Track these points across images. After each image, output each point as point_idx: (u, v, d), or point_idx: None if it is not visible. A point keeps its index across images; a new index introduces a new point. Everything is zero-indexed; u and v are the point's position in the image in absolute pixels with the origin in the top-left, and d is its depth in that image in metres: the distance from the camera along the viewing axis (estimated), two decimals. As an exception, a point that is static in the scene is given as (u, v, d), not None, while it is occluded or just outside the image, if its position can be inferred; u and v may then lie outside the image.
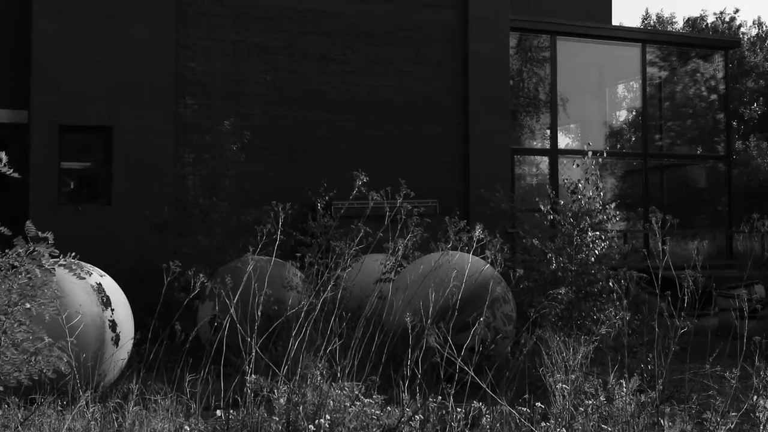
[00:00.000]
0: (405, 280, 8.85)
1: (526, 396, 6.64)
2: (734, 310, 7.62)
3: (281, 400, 6.11)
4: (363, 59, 15.84)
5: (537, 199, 10.86)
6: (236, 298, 6.75)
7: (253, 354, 6.29)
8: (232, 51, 15.05)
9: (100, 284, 8.04)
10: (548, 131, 19.21)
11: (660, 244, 7.54)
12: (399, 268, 8.83)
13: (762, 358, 6.52)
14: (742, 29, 42.32)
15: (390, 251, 7.77)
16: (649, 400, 6.35)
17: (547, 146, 19.13)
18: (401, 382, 6.37)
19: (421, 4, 16.26)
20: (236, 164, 12.77)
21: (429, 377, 6.78)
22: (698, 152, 22.16)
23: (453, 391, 6.24)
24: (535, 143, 19.87)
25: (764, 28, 42.51)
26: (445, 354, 6.39)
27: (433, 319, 6.99)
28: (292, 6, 15.44)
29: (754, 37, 42.13)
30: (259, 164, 14.71)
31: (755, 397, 6.28)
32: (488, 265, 8.58)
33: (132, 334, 8.24)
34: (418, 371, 6.37)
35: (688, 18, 44.25)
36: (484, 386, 6.21)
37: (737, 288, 12.64)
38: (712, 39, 26.21)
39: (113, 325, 7.91)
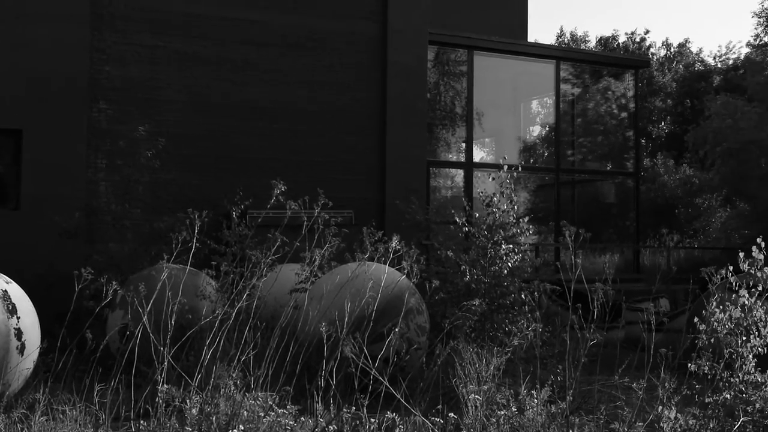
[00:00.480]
0: (321, 290, 8.82)
1: (440, 407, 6.70)
2: (641, 323, 7.82)
3: (193, 411, 6.03)
4: (282, 68, 15.77)
5: (452, 212, 10.98)
6: (149, 307, 6.65)
7: (166, 363, 6.20)
8: (150, 56, 14.81)
9: (5, 291, 7.81)
10: (464, 144, 19.44)
11: (572, 257, 7.70)
12: (315, 278, 8.80)
13: (667, 370, 6.70)
14: (652, 50, 43.56)
15: (306, 261, 7.75)
16: (559, 410, 6.47)
17: (463, 159, 19.35)
18: (315, 392, 6.35)
19: (341, 15, 16.28)
20: (150, 171, 12.57)
21: (343, 388, 6.78)
22: (608, 168, 22.71)
23: (367, 402, 6.26)
24: (450, 156, 20.07)
25: (672, 50, 43.84)
26: (360, 364, 6.40)
27: (349, 330, 6.99)
28: (212, 13, 15.27)
29: (662, 57, 43.41)
30: (175, 172, 14.50)
31: (660, 408, 6.46)
32: (404, 276, 8.63)
33: (39, 342, 8.03)
34: (333, 381, 6.37)
35: (601, 37, 45.36)
36: (398, 397, 6.24)
37: (644, 301, 12.99)
38: (623, 58, 26.89)
39: (19, 334, 7.69)
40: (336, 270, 9.18)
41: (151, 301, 6.75)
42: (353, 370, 6.55)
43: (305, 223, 7.70)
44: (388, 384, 6.26)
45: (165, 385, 6.15)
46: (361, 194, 16.09)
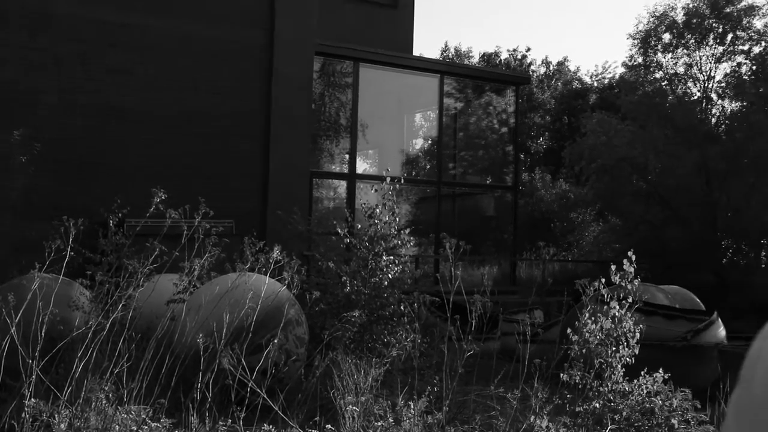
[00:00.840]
0: (199, 300, 8.69)
1: (317, 418, 6.69)
2: (517, 334, 8.01)
3: (62, 425, 5.85)
4: (166, 74, 15.49)
5: (334, 222, 10.99)
6: (17, 318, 6.42)
7: (34, 377, 6.00)
8: (25, 59, 14.33)
9: None
10: (348, 156, 19.51)
11: (452, 269, 7.83)
12: (193, 289, 8.67)
13: (541, 380, 6.88)
14: (532, 67, 44.75)
15: (185, 271, 7.64)
16: (435, 421, 6.55)
17: (346, 170, 19.42)
18: (191, 405, 6.26)
19: (228, 22, 16.12)
20: (24, 176, 12.15)
21: (220, 400, 6.69)
22: (488, 182, 23.17)
23: (244, 414, 6.20)
24: (334, 167, 20.12)
25: (551, 68, 45.13)
26: (238, 376, 6.34)
27: (227, 341, 6.92)
28: (92, 17, 14.88)
29: (542, 75, 44.65)
30: (50, 178, 14.04)
31: (533, 417, 6.62)
32: (284, 287, 8.59)
33: None
34: (209, 394, 6.28)
35: (484, 53, 46.33)
36: (276, 408, 6.20)
37: (520, 313, 13.30)
38: (505, 74, 27.54)
39: None
40: (215, 280, 9.06)
41: (20, 311, 6.52)
42: (230, 382, 6.47)
43: (185, 232, 7.58)
44: (265, 396, 6.22)
45: (32, 400, 5.94)
46: (244, 204, 15.93)
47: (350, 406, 6.33)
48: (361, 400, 6.45)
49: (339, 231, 10.57)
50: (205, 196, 8.68)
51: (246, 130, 16.25)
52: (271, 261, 7.86)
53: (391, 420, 6.38)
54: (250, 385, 6.18)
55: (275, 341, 7.72)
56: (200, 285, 8.87)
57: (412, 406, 6.42)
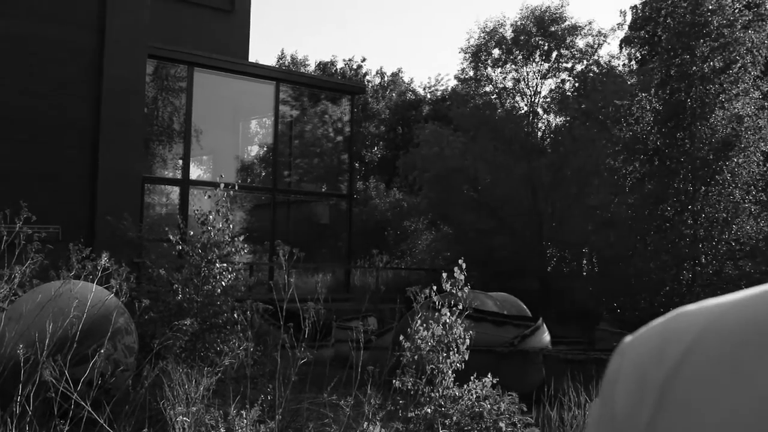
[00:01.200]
0: (20, 309, 8.28)
1: (146, 430, 6.51)
2: (350, 341, 8.06)
3: None
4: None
5: (167, 229, 10.73)
6: None
7: None
8: None
9: None
10: (181, 161, 19.13)
11: (286, 276, 7.80)
12: (14, 297, 8.26)
13: (374, 387, 6.95)
14: (368, 77, 45.30)
15: (5, 278, 7.26)
16: (268, 430, 6.50)
17: (180, 176, 19.03)
18: (10, 419, 5.95)
19: (56, 21, 15.47)
20: None
21: (42, 413, 6.40)
22: (323, 190, 23.26)
23: (67, 428, 5.95)
24: (167, 173, 19.67)
25: (386, 78, 45.82)
26: (61, 388, 6.07)
27: (50, 352, 6.62)
28: None
29: (377, 85, 45.27)
30: None
31: (366, 424, 6.67)
32: (112, 295, 8.31)
33: None
34: (30, 407, 5.99)
35: (320, 62, 46.50)
36: (101, 421, 5.99)
37: (354, 320, 13.40)
38: (340, 83, 27.72)
39: None
40: (38, 288, 8.66)
41: None
42: (53, 394, 6.20)
43: (5, 238, 7.21)
44: (90, 408, 5.99)
45: None
46: (71, 209, 15.33)
47: (180, 417, 6.19)
48: (192, 410, 6.31)
49: (171, 238, 10.32)
50: (29, 200, 8.30)
51: (74, 134, 15.65)
52: (98, 268, 7.58)
53: (223, 430, 6.28)
54: (74, 397, 5.94)
55: (102, 351, 7.45)
56: (22, 293, 8.47)
57: (244, 415, 6.34)
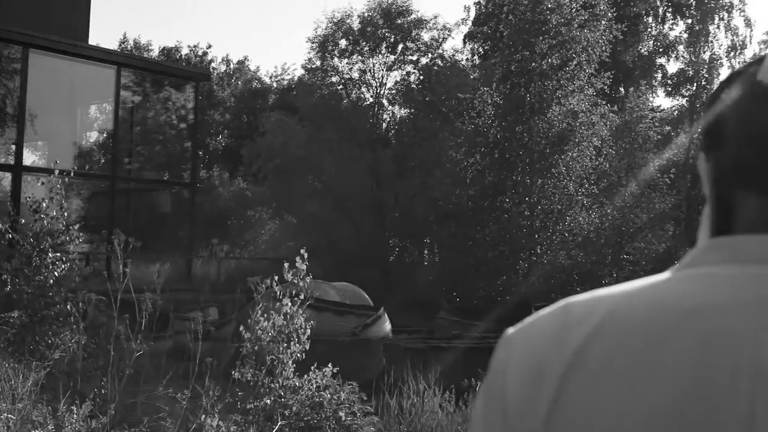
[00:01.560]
0: None
1: (-33, 429, 6.20)
2: (189, 333, 7.92)
3: None
4: None
5: (-5, 217, 10.24)
6: None
7: None
8: None
9: None
10: (14, 146, 18.28)
11: (122, 266, 7.60)
12: None
13: (213, 379, 6.86)
14: (213, 64, 44.56)
15: None
16: (100, 425, 6.31)
17: (12, 162, 18.17)
18: None
19: None
20: None
21: None
22: (165, 178, 22.76)
23: None
24: (-3, 158, 18.77)
25: (232, 66, 45.21)
26: None
27: None
28: None
29: (222, 73, 44.61)
30: None
31: (204, 416, 6.58)
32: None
33: None
34: None
35: (164, 47, 45.39)
36: None
37: (194, 311, 13.19)
38: (184, 70, 27.14)
39: None
40: None
41: None
42: None
43: None
44: None
45: None
46: None
47: (5, 414, 5.92)
48: (18, 407, 6.05)
49: (0, 226, 9.85)
50: None
51: None
52: None
53: (51, 427, 6.05)
54: None
55: None
56: None
57: (75, 411, 6.13)
